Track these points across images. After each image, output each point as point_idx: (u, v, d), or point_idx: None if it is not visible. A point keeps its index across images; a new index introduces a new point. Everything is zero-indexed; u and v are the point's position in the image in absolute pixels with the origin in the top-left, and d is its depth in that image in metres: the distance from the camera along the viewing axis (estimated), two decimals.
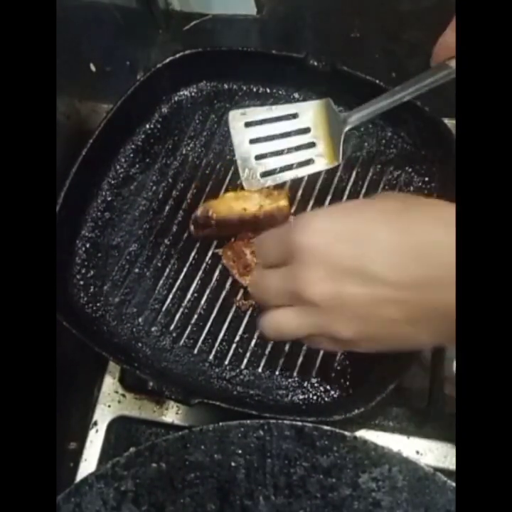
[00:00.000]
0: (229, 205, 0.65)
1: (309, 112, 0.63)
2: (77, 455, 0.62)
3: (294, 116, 0.63)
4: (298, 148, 0.63)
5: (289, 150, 0.63)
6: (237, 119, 0.63)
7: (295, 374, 0.61)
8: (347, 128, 0.61)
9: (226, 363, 0.62)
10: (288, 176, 0.63)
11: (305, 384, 0.60)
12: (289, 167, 0.63)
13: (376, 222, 0.42)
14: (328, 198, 0.68)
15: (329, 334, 0.44)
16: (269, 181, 0.63)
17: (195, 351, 0.62)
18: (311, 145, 0.63)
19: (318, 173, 0.68)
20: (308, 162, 0.62)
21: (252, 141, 0.63)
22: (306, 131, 0.63)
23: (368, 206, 0.45)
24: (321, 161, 0.62)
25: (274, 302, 0.46)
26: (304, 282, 0.42)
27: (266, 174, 0.63)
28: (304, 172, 0.63)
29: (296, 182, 0.68)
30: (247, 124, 0.63)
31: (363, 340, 0.44)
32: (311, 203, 0.68)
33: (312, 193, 0.69)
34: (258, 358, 0.62)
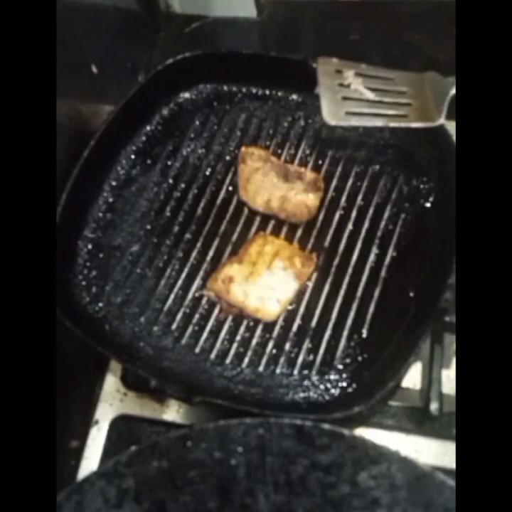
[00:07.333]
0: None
1: (406, 80, 0.60)
2: (78, 453, 0.62)
3: (391, 80, 0.61)
4: (392, 103, 0.60)
5: (382, 103, 0.60)
6: (328, 63, 0.61)
7: (296, 373, 0.61)
8: (453, 90, 0.58)
9: (227, 361, 0.62)
10: (375, 122, 0.60)
11: (305, 383, 0.61)
12: (378, 115, 0.60)
13: None
14: (327, 197, 0.69)
15: None
16: (354, 121, 0.60)
17: (197, 350, 0.63)
18: (407, 105, 0.60)
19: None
20: (401, 116, 0.60)
21: (342, 86, 0.60)
22: (401, 93, 0.60)
23: None
24: (417, 117, 0.59)
25: None
26: None
27: (351, 114, 0.60)
28: (395, 123, 0.60)
29: None
30: (338, 71, 0.61)
31: None
32: None
33: None
34: (259, 357, 0.62)
